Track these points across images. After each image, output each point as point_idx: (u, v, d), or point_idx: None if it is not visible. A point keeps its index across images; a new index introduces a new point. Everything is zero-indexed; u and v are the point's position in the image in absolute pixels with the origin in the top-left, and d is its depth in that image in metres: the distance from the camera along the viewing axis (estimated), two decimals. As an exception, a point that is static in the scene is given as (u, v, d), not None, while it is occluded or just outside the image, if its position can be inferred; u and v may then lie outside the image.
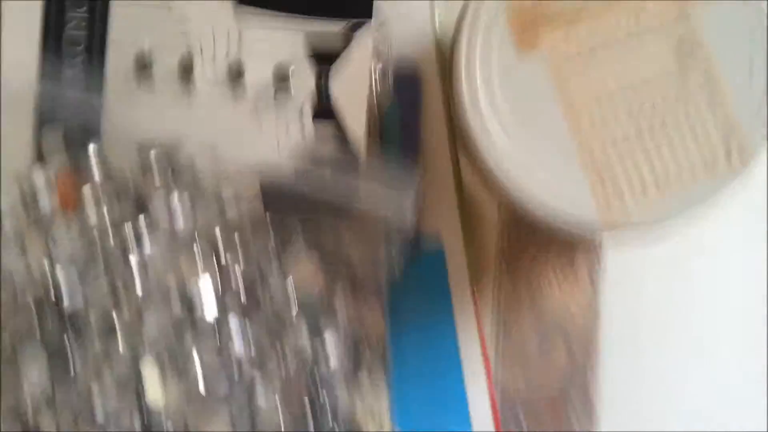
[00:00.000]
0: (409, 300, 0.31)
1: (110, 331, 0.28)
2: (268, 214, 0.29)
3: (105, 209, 0.29)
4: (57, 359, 0.28)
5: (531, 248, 0.33)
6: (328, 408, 0.29)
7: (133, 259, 0.28)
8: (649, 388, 0.32)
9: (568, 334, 0.33)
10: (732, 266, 0.33)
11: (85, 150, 0.28)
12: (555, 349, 0.33)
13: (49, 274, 0.28)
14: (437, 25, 0.32)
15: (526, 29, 0.26)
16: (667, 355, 0.33)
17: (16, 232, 0.29)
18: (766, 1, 0.25)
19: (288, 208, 0.29)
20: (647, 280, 0.33)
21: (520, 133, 0.25)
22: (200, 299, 0.28)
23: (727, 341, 0.33)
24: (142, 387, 0.28)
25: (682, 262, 0.32)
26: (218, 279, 0.29)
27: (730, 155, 0.25)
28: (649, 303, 0.33)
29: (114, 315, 0.28)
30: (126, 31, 0.28)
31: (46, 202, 0.29)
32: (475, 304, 0.32)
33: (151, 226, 0.29)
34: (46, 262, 0.28)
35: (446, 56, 0.30)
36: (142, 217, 0.29)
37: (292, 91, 0.28)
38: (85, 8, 0.28)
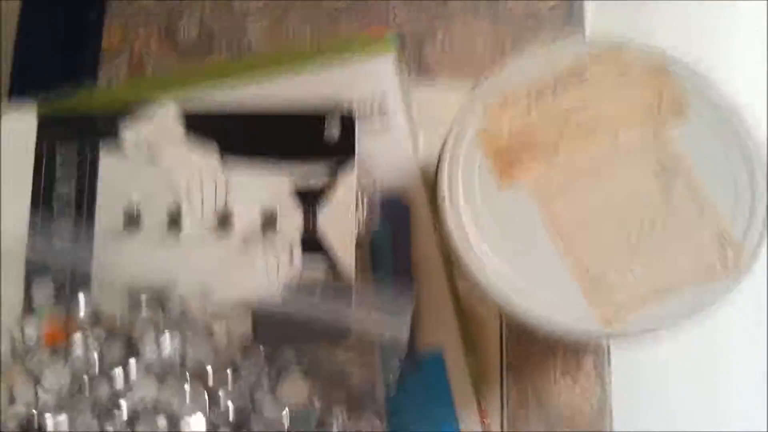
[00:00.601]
0: (411, 410, 0.31)
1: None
2: (261, 346, 0.29)
3: (95, 354, 0.28)
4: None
5: (535, 354, 0.33)
6: None
7: (124, 403, 0.28)
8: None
9: (578, 428, 0.32)
10: (740, 359, 0.33)
11: (76, 299, 0.28)
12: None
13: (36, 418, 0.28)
14: (421, 153, 0.33)
15: (505, 162, 0.26)
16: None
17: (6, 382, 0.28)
18: (734, 112, 0.27)
19: (282, 338, 0.29)
20: (657, 376, 0.33)
21: (511, 256, 0.25)
22: (190, 418, 0.28)
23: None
24: None
25: (692, 356, 0.33)
26: (209, 413, 0.28)
27: (725, 261, 0.26)
28: (661, 398, 0.33)
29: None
30: (114, 186, 0.29)
31: (37, 350, 0.28)
32: (480, 408, 0.32)
33: (142, 369, 0.28)
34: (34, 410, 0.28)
35: (432, 183, 0.31)
36: (133, 360, 0.28)
37: (280, 230, 0.29)
38: (74, 167, 0.29)
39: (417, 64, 0.35)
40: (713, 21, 0.36)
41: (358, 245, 0.30)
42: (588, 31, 0.36)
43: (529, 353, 0.33)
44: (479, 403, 0.32)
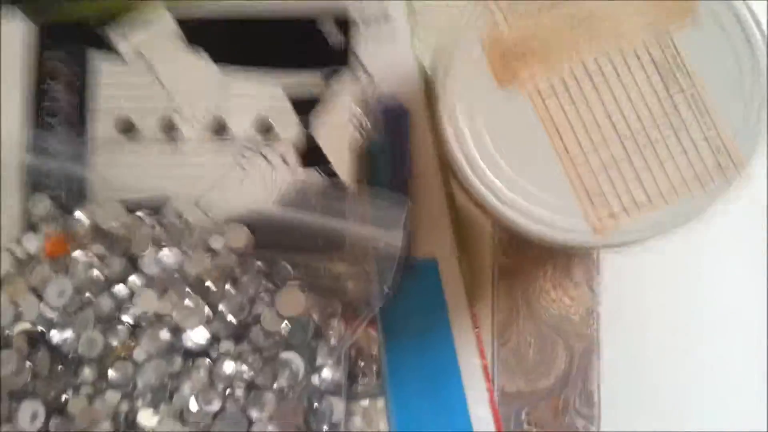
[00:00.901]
0: (406, 314, 0.32)
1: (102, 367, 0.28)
2: (258, 261, 0.29)
3: (95, 271, 0.28)
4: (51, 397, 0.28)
5: (527, 261, 0.33)
6: (325, 415, 0.29)
7: (127, 317, 0.28)
8: (649, 389, 0.33)
9: (567, 338, 0.33)
10: (730, 268, 0.33)
11: (74, 214, 0.28)
12: (555, 353, 0.33)
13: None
14: (422, 60, 0.32)
15: (505, 63, 0.25)
16: (667, 356, 0.33)
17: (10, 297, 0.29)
18: (751, 18, 0.25)
19: (279, 249, 0.29)
20: (645, 282, 0.33)
21: (508, 161, 0.25)
22: (191, 331, 0.28)
23: (726, 343, 0.33)
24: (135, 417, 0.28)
25: (680, 264, 0.33)
26: (210, 325, 0.29)
27: (721, 167, 0.25)
28: (648, 304, 0.33)
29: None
30: (110, 94, 0.28)
31: (38, 265, 0.28)
32: (472, 314, 0.32)
33: (143, 283, 0.28)
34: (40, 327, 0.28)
35: (431, 88, 0.30)
36: (133, 276, 0.28)
37: (277, 138, 0.28)
38: (70, 75, 0.28)
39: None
40: None
41: (356, 155, 0.29)
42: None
43: (520, 262, 0.33)
44: (471, 310, 0.32)
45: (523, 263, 0.33)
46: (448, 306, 0.32)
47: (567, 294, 0.33)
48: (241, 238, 0.28)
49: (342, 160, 0.28)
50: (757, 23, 0.25)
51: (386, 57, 0.32)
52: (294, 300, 0.29)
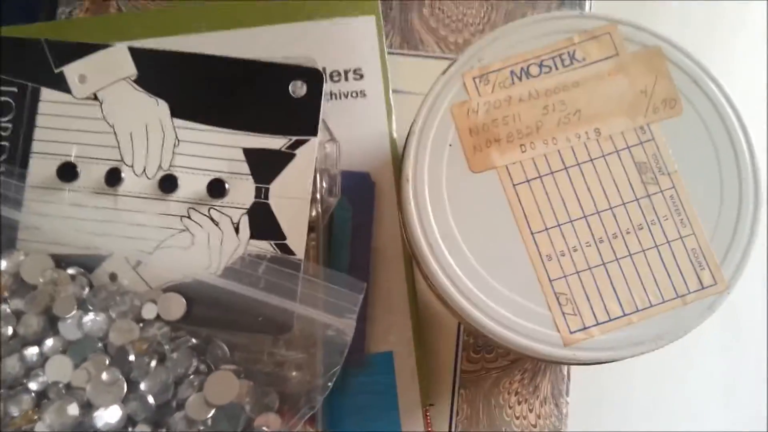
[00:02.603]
0: (353, 411, 0.28)
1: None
2: (193, 338, 0.26)
3: (10, 329, 0.25)
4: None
5: (492, 370, 0.30)
6: None
7: (34, 385, 0.25)
8: None
9: (531, 458, 0.30)
10: (700, 383, 0.30)
11: None
12: (517, 474, 0.30)
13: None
14: (394, 134, 0.31)
15: (478, 142, 0.23)
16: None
17: None
18: (730, 111, 0.23)
19: (217, 325, 0.26)
20: (617, 408, 0.30)
21: (475, 254, 0.23)
22: (104, 410, 0.25)
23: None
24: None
25: (655, 389, 0.30)
26: (126, 405, 0.25)
27: (701, 283, 0.23)
28: (618, 424, 0.30)
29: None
30: (53, 129, 0.25)
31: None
32: (426, 420, 0.29)
33: (59, 349, 0.25)
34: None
35: (398, 163, 0.28)
36: (50, 340, 0.25)
37: (228, 199, 0.25)
38: (11, 116, 0.26)
39: (402, 32, 0.33)
40: (717, 17, 0.33)
41: (313, 225, 0.26)
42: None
43: (486, 369, 0.30)
44: (426, 415, 0.28)
45: (489, 371, 0.30)
46: (400, 407, 0.29)
47: (532, 411, 0.30)
48: (176, 309, 0.25)
49: (298, 234, 0.25)
50: (738, 118, 0.24)
51: (358, 129, 0.30)
52: (226, 386, 0.26)
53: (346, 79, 0.31)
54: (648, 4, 0.34)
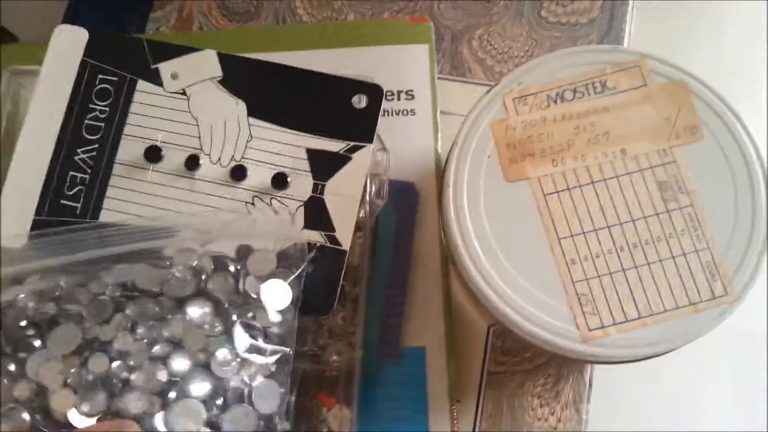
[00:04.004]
0: (384, 399, 0.31)
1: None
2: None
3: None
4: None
5: (518, 373, 0.32)
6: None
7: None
8: None
9: (550, 460, 0.31)
10: (720, 387, 0.32)
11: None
12: (535, 476, 0.31)
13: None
14: (439, 149, 0.34)
15: (514, 162, 0.26)
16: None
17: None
18: (747, 140, 0.26)
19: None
20: (636, 417, 0.31)
21: (506, 254, 0.25)
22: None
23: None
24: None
25: (675, 399, 0.31)
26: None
27: (713, 293, 0.25)
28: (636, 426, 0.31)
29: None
30: (143, 125, 0.29)
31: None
32: (452, 415, 0.31)
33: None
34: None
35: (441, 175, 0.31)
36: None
37: (289, 191, 0.29)
38: (109, 101, 0.30)
39: (452, 60, 0.36)
40: (747, 54, 0.35)
41: (361, 225, 0.29)
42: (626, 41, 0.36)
43: (512, 371, 0.32)
44: (452, 410, 0.31)
45: (514, 374, 0.32)
46: (429, 400, 0.31)
47: (554, 414, 0.32)
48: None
49: (346, 228, 0.28)
50: (755, 146, 0.26)
51: (407, 144, 0.33)
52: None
53: (399, 98, 0.34)
54: (682, 39, 0.36)
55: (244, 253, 0.27)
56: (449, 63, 0.36)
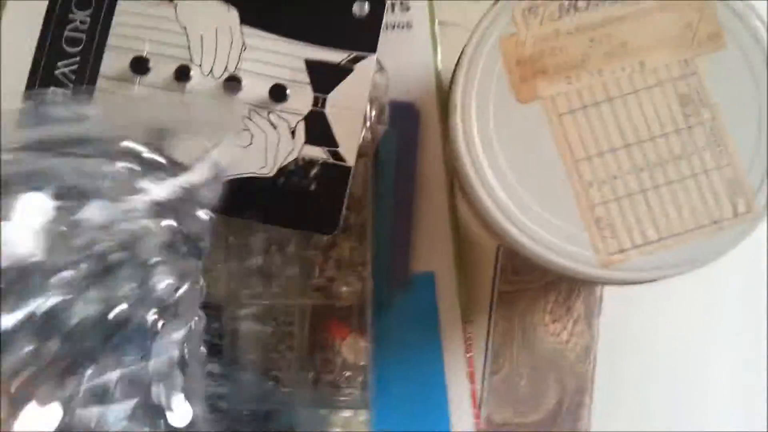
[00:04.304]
0: (398, 326, 0.31)
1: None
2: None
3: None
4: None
5: (528, 291, 0.32)
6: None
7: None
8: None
9: (561, 372, 0.32)
10: (732, 309, 0.32)
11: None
12: (547, 386, 0.32)
13: None
14: (439, 65, 0.32)
15: (525, 73, 0.24)
16: (663, 404, 0.32)
17: None
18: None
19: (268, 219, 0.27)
20: (647, 327, 0.31)
21: (519, 179, 0.24)
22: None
23: (727, 395, 0.32)
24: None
25: (684, 310, 0.31)
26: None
27: (736, 210, 0.24)
28: (648, 349, 0.32)
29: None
30: (127, 34, 0.27)
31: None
32: (465, 336, 0.31)
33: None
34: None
35: (446, 90, 0.29)
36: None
37: (287, 104, 0.27)
38: (90, 10, 0.27)
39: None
40: None
41: (362, 151, 0.28)
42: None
43: (522, 290, 0.32)
44: (465, 331, 0.31)
45: (525, 292, 0.32)
46: (442, 324, 0.31)
47: (566, 329, 0.32)
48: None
49: (351, 143, 0.27)
50: None
51: (404, 60, 0.31)
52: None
53: (393, 10, 0.32)
54: None
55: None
56: (444, -33, 0.33)
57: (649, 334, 0.32)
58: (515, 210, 0.24)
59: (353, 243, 0.30)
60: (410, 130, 0.31)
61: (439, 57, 0.32)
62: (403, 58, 0.31)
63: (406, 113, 0.31)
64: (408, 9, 0.31)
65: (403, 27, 0.31)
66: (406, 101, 0.31)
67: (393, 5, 0.31)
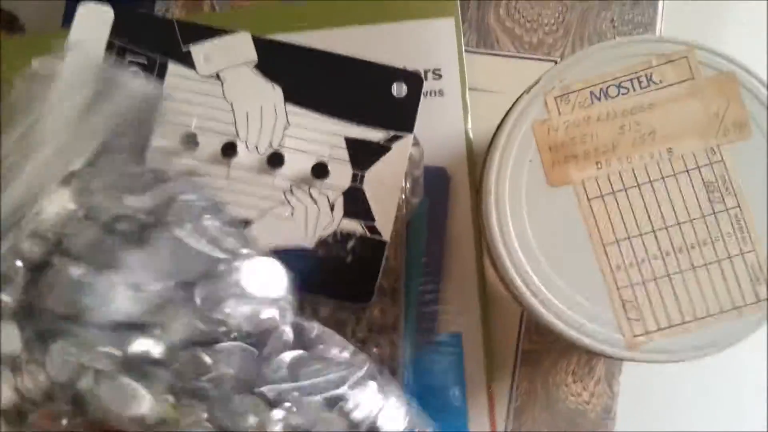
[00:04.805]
0: (424, 386, 0.32)
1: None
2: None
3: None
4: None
5: (552, 351, 0.33)
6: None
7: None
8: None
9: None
10: (752, 378, 0.33)
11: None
12: (568, 446, 0.33)
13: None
14: (469, 131, 0.33)
15: (557, 158, 0.26)
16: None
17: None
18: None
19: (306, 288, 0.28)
20: (666, 389, 0.32)
21: (548, 258, 0.25)
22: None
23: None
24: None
25: (704, 378, 0.32)
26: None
27: (758, 296, 0.25)
28: (666, 412, 0.32)
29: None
30: (177, 110, 0.28)
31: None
32: (489, 395, 0.32)
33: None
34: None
35: (477, 166, 0.30)
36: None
37: (328, 180, 0.28)
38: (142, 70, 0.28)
39: (479, 31, 0.34)
40: None
41: (398, 218, 0.29)
42: (659, 21, 0.34)
43: (545, 350, 0.33)
44: (489, 390, 0.32)
45: (549, 352, 0.33)
46: (467, 384, 0.32)
47: (586, 389, 0.33)
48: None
49: (387, 218, 0.28)
50: None
51: (435, 126, 0.32)
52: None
53: (426, 78, 0.33)
54: (718, 18, 0.35)
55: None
56: (476, 34, 0.34)
57: (668, 397, 0.32)
58: (546, 291, 0.25)
59: (384, 305, 0.31)
60: (441, 194, 0.32)
61: (470, 123, 0.33)
62: (434, 124, 0.32)
63: (438, 177, 0.32)
64: (440, 77, 0.33)
65: (435, 94, 0.33)
66: (437, 166, 0.32)
67: (426, 73, 0.33)
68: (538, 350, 0.33)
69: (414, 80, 0.28)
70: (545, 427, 0.32)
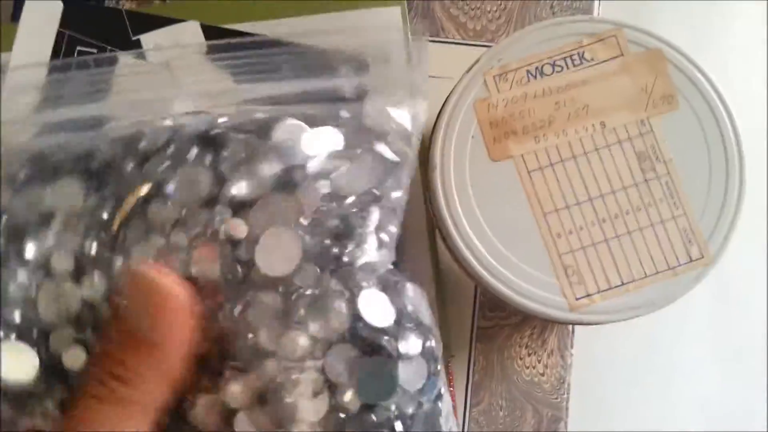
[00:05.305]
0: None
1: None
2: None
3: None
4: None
5: (506, 326, 0.34)
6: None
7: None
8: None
9: (537, 404, 0.34)
10: (698, 347, 0.34)
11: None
12: (523, 418, 0.34)
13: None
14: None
15: (498, 134, 0.27)
16: (635, 424, 0.34)
17: None
18: (722, 107, 0.27)
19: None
20: (617, 357, 0.34)
21: (494, 231, 0.26)
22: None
23: (693, 414, 0.34)
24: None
25: (652, 341, 0.34)
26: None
27: (690, 256, 0.26)
28: (619, 379, 0.34)
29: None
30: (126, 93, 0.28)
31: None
32: (447, 372, 0.33)
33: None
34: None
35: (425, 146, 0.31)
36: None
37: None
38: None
39: (424, 19, 0.35)
40: (716, 20, 0.36)
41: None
42: (596, 7, 0.35)
43: (499, 325, 0.34)
44: (447, 368, 0.33)
45: (502, 327, 0.34)
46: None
47: (540, 361, 0.34)
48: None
49: None
50: (729, 114, 0.27)
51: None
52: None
53: (373, 63, 0.34)
54: (651, 4, 0.36)
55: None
56: (421, 23, 0.35)
57: (620, 365, 0.34)
58: (493, 261, 0.26)
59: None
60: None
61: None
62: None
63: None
64: (387, 62, 0.34)
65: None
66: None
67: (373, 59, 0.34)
68: (493, 326, 0.34)
69: (361, 65, 0.29)
70: (502, 399, 0.34)
